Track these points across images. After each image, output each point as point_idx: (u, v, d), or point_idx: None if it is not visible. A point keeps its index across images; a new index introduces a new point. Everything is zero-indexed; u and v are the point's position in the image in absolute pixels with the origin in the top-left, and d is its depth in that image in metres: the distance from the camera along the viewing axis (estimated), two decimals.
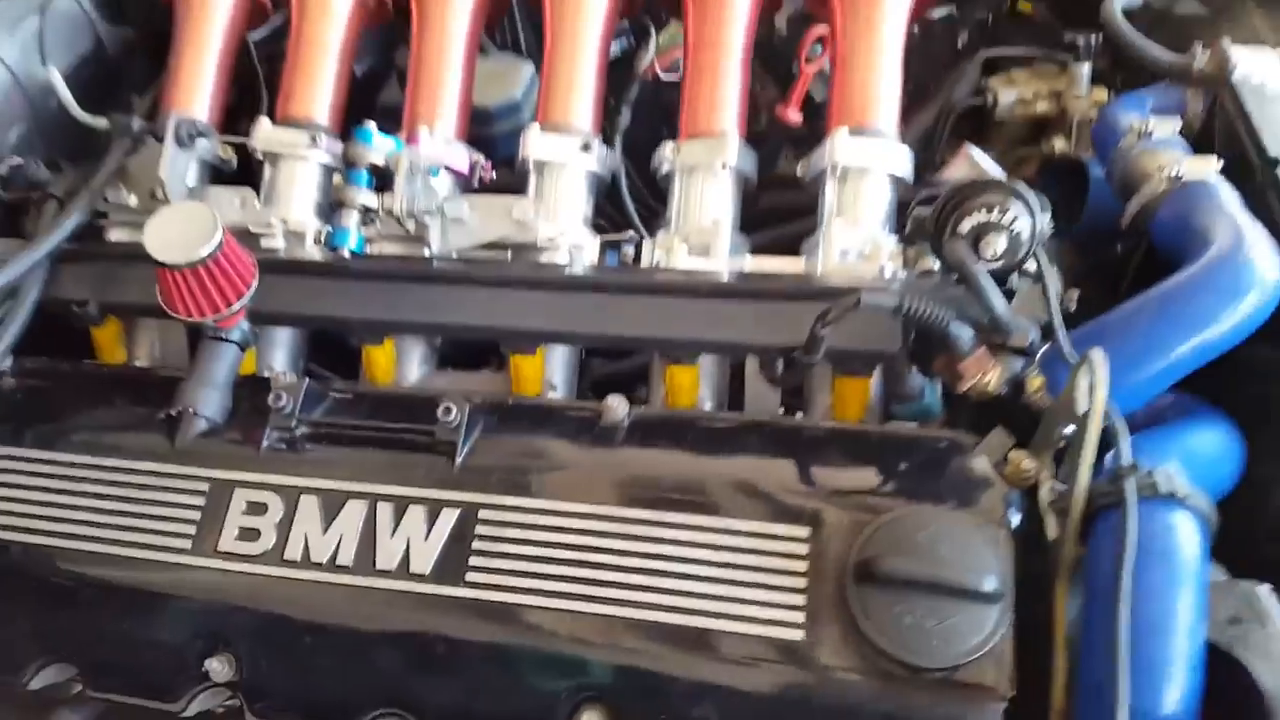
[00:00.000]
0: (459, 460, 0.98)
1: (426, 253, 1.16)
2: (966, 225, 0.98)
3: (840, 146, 1.16)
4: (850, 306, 0.95)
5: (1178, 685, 0.80)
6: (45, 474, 1.04)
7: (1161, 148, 1.22)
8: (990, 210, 0.97)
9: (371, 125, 1.11)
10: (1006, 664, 0.81)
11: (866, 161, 1.16)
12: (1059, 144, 1.65)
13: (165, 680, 0.96)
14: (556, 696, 0.89)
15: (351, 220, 1.09)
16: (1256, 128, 1.21)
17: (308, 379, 1.04)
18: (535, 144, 1.20)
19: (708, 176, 1.20)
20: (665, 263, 1.16)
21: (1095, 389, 0.86)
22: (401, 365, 1.22)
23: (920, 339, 1.03)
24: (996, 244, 0.97)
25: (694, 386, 1.15)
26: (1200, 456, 0.97)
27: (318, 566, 0.95)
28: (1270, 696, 0.80)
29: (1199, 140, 1.32)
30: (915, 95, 1.74)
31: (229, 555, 0.96)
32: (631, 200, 1.42)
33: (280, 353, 1.21)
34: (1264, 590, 0.86)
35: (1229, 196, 1.11)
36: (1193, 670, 0.81)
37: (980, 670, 0.81)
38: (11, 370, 1.13)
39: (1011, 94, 1.66)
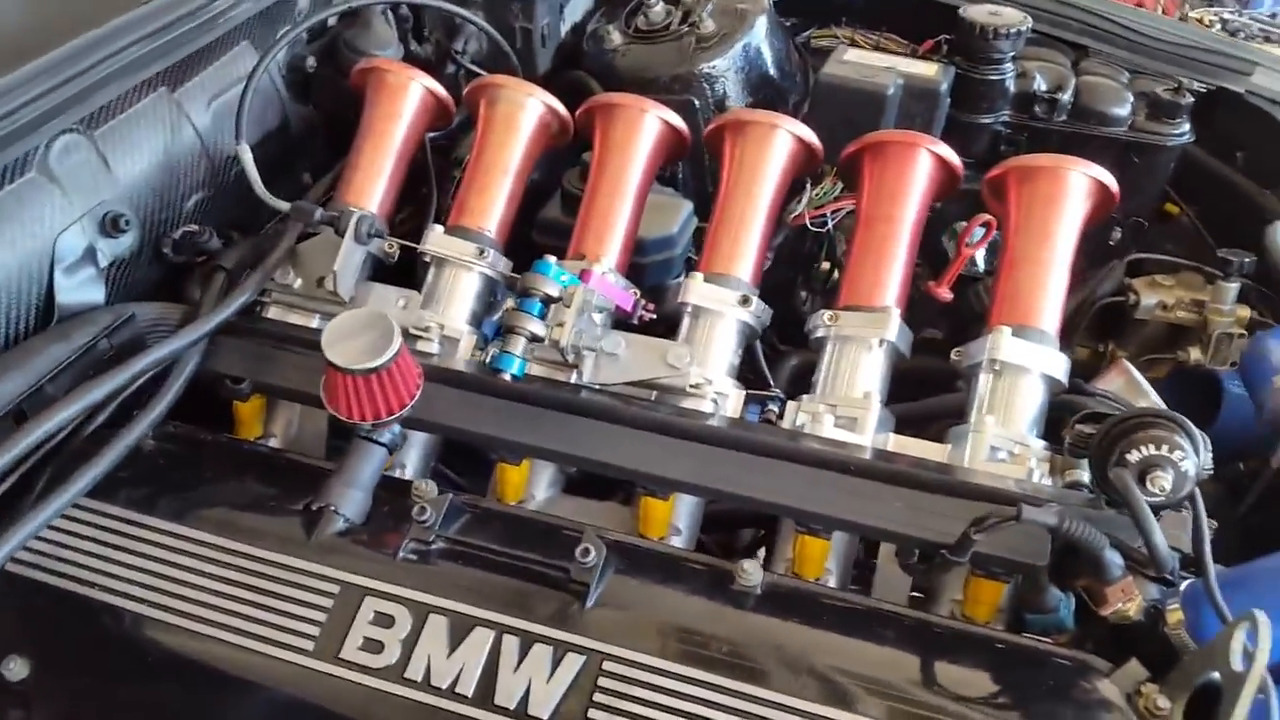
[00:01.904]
0: (589, 603, 1.00)
1: (574, 378, 1.20)
2: (1134, 456, 0.99)
3: (1002, 344, 1.19)
4: (1010, 518, 0.97)
5: None
6: (173, 547, 1.07)
7: None
8: (1160, 445, 0.99)
9: (552, 260, 1.17)
10: None
11: (1025, 361, 1.19)
12: (1195, 353, 1.67)
13: None
14: None
15: (518, 346, 1.14)
16: None
17: (451, 494, 1.07)
18: (696, 291, 1.25)
19: (862, 349, 1.23)
20: (809, 428, 1.18)
21: (1258, 654, 0.86)
22: (532, 484, 1.25)
23: (1064, 553, 1.04)
24: (1164, 480, 0.98)
25: (823, 558, 1.16)
26: None
27: (437, 691, 0.96)
28: None
29: None
30: None
31: (350, 664, 0.98)
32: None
33: (415, 453, 1.25)
34: None
35: None
36: None
37: None
38: (155, 434, 1.18)
39: (1154, 297, 1.70)
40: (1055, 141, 1.74)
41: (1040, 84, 1.72)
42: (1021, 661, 1.00)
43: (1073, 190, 1.28)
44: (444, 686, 0.96)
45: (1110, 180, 1.28)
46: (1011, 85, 1.72)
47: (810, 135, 1.34)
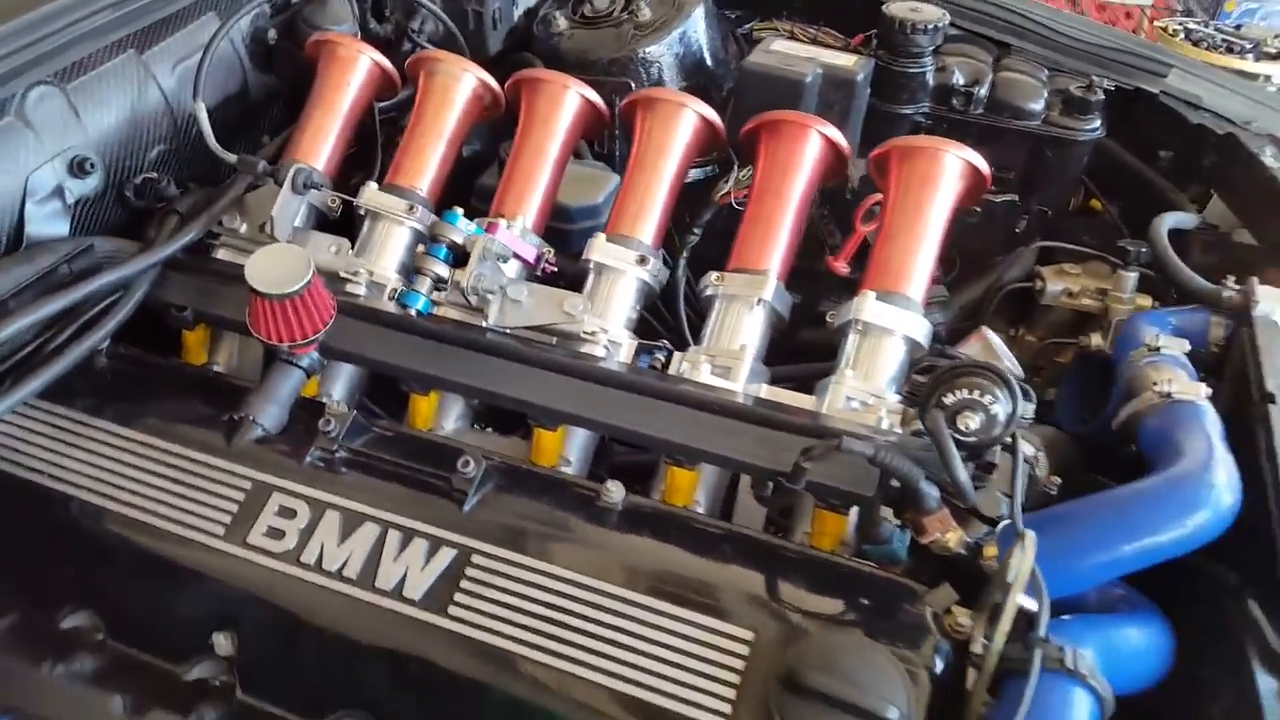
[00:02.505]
0: (466, 508, 1.16)
1: (483, 324, 1.36)
2: (950, 399, 1.14)
3: (866, 306, 1.33)
4: (832, 447, 1.11)
5: None
6: (113, 445, 1.24)
7: (1165, 364, 1.37)
8: (973, 390, 1.13)
9: (459, 210, 1.33)
10: None
11: (887, 323, 1.33)
12: (1095, 339, 1.80)
13: (175, 644, 1.14)
14: None
15: (424, 286, 1.30)
16: (1262, 363, 1.36)
17: (355, 412, 1.23)
18: (599, 250, 1.41)
19: (744, 307, 1.38)
20: (689, 374, 1.33)
21: (1022, 566, 1.01)
22: (441, 416, 1.40)
23: (901, 492, 1.19)
24: (972, 421, 1.12)
25: (691, 489, 1.31)
26: (1123, 649, 1.09)
27: (326, 574, 1.12)
28: None
29: (1216, 364, 1.47)
30: (970, 268, 1.94)
31: (253, 548, 1.14)
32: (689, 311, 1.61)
33: (341, 385, 1.41)
34: None
35: (1212, 421, 1.26)
36: None
37: None
38: (108, 352, 1.35)
39: (1060, 284, 1.83)
40: (973, 133, 1.87)
41: (958, 78, 1.86)
42: (848, 580, 1.14)
43: (946, 170, 1.41)
44: (333, 570, 1.13)
45: (982, 164, 1.42)
46: (930, 78, 1.85)
47: (713, 115, 1.49)
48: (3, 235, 1.31)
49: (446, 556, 1.12)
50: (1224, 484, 1.14)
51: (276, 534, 1.15)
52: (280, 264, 1.18)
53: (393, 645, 1.09)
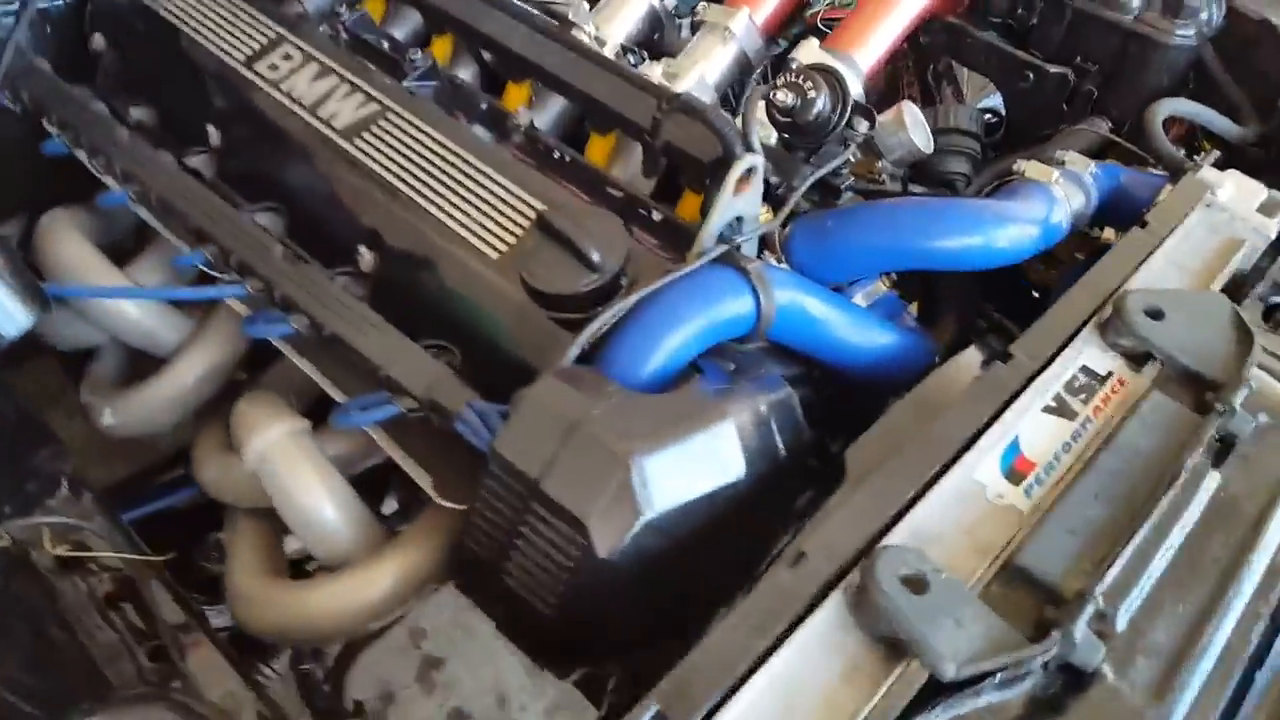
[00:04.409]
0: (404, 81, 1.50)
1: None
2: (778, 83, 1.32)
3: (806, 53, 1.52)
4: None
5: None
6: None
7: (1055, 166, 1.45)
8: (801, 79, 1.30)
9: None
10: None
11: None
12: None
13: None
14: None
15: None
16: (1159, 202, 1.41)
17: None
18: None
19: (715, 38, 1.61)
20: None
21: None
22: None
23: None
24: (786, 98, 1.30)
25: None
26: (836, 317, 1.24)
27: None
28: None
29: None
30: (1017, 138, 2.00)
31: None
32: None
33: None
34: None
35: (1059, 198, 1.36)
36: None
37: None
38: None
39: None
40: (1069, 14, 1.91)
41: None
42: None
43: None
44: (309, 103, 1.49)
45: None
46: None
47: None
48: None
49: (370, 107, 1.45)
50: (1050, 212, 1.31)
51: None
52: None
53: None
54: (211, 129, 1.54)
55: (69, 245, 1.53)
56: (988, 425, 1.03)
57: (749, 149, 1.25)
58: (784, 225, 1.32)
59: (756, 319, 1.15)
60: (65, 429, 1.67)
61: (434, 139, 1.40)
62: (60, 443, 1.57)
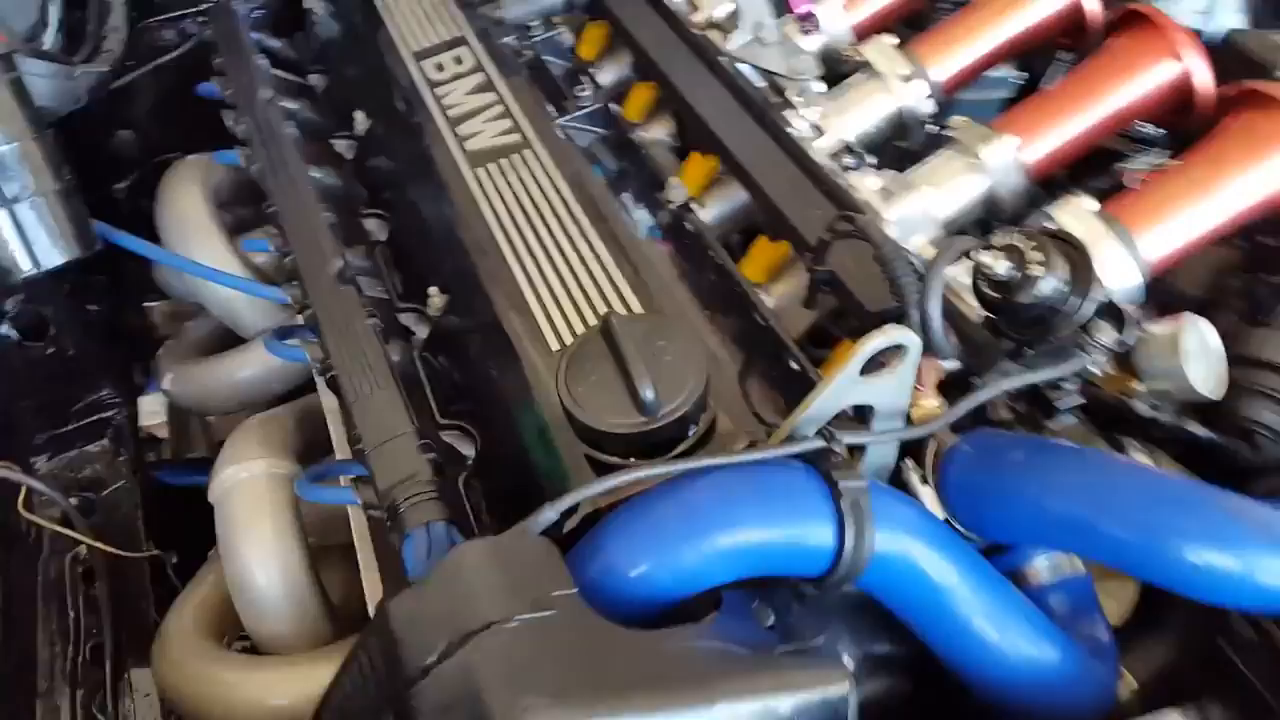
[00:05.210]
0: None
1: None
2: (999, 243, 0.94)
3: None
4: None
5: None
6: None
7: None
8: (1032, 245, 0.92)
9: None
10: None
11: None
12: None
13: None
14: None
15: None
16: None
17: None
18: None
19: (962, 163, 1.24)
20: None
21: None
22: None
23: None
24: (998, 265, 0.92)
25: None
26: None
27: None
28: None
29: None
30: None
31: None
32: None
33: None
34: None
35: None
36: None
37: None
38: None
39: None
40: None
41: None
42: None
43: None
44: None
45: None
46: None
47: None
48: None
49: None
50: None
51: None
52: None
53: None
54: (360, 115, 1.35)
55: (182, 198, 1.41)
56: None
57: (919, 320, 0.89)
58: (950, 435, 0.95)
59: (835, 558, 0.78)
60: None
61: (557, 192, 1.14)
62: (126, 394, 1.45)
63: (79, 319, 1.41)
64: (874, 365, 0.86)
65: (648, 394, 0.86)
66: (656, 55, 1.32)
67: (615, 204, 1.18)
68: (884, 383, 0.85)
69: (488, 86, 1.29)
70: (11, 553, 1.25)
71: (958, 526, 0.91)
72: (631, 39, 1.35)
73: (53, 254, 1.21)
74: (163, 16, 1.56)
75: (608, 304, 1.03)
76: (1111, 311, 0.96)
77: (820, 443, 0.81)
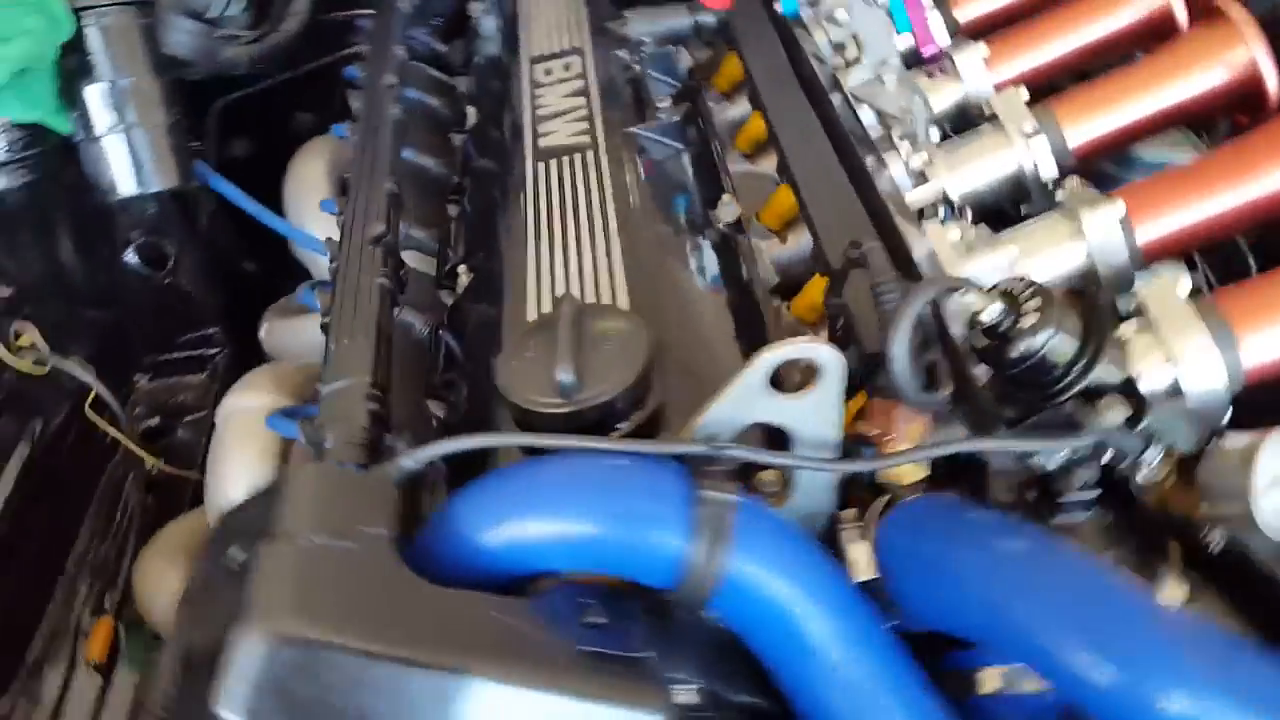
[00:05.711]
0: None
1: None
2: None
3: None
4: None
5: None
6: None
7: None
8: (1031, 299, 0.81)
9: None
10: None
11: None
12: None
13: None
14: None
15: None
16: None
17: None
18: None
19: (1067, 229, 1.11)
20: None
21: None
22: None
23: None
24: (989, 312, 0.81)
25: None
26: None
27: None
28: None
29: None
30: None
31: None
32: None
33: None
34: None
35: None
36: None
37: None
38: None
39: None
40: None
41: None
42: None
43: None
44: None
45: None
46: None
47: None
48: None
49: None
50: None
51: None
52: None
53: None
54: (471, 110, 1.41)
55: (302, 167, 1.50)
56: None
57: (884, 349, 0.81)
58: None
59: (678, 572, 0.71)
60: None
61: (600, 193, 1.13)
62: (236, 341, 1.57)
63: (199, 259, 1.55)
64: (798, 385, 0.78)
65: (565, 375, 0.82)
66: (763, 84, 1.29)
67: (655, 214, 1.16)
68: (801, 404, 0.78)
69: (582, 92, 1.31)
70: (85, 451, 1.37)
71: (884, 593, 0.81)
72: (746, 66, 1.33)
73: (152, 180, 1.34)
74: (348, 13, 1.69)
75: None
76: (1126, 393, 0.84)
77: (703, 448, 0.74)
